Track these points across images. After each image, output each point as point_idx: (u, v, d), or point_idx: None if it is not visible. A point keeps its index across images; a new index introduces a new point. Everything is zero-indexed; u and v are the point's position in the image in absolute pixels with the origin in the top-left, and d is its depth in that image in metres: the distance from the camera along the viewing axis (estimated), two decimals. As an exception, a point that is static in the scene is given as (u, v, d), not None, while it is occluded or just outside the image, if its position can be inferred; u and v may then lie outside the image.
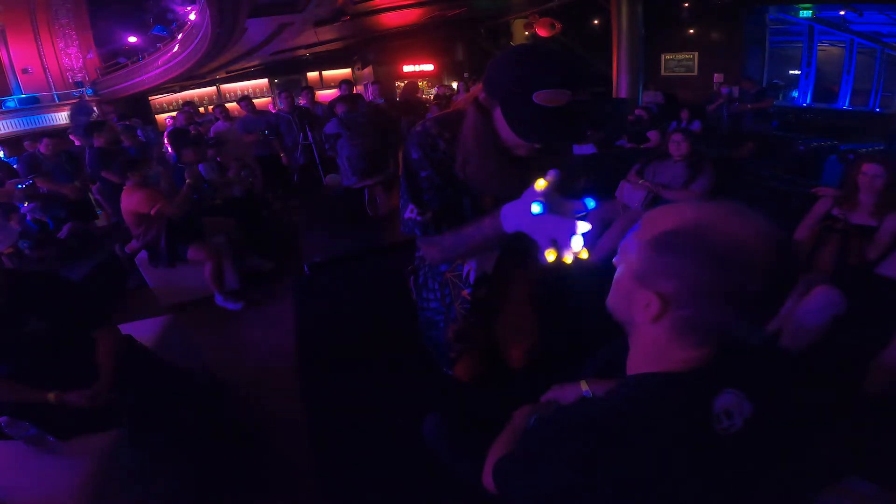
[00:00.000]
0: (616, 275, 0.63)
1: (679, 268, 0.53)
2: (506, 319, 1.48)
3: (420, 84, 11.36)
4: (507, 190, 0.94)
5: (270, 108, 8.61)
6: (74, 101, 11.30)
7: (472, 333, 1.38)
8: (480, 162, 1.00)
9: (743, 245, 0.50)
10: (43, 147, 4.59)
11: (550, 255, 0.79)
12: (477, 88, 0.99)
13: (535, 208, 0.79)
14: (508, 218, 0.88)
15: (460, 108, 1.06)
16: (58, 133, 6.84)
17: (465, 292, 1.28)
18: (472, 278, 1.26)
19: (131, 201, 2.81)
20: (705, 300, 0.53)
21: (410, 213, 1.10)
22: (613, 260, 0.64)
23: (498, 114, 0.94)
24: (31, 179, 3.99)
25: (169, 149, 5.35)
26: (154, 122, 11.04)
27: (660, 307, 0.55)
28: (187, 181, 2.92)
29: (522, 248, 1.02)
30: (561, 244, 0.79)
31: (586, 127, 0.94)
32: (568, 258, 0.79)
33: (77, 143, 5.58)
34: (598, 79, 8.70)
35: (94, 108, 10.60)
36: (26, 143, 6.07)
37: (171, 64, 10.15)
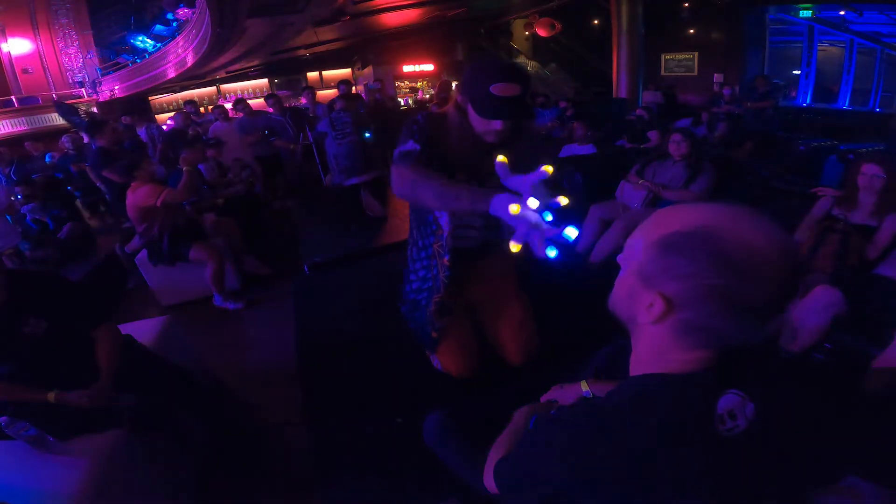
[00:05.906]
0: (620, 273, 0.63)
1: (686, 270, 0.52)
2: (491, 296, 1.59)
3: (419, 84, 11.36)
4: (478, 167, 1.30)
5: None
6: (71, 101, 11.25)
7: (453, 304, 1.51)
8: (458, 144, 1.30)
9: (755, 253, 0.49)
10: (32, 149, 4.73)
11: (515, 248, 0.89)
12: (455, 93, 1.30)
13: (514, 209, 0.88)
14: (496, 204, 0.95)
15: (444, 110, 1.36)
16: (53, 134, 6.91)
17: (445, 259, 1.43)
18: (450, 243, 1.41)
19: (137, 196, 2.85)
20: (710, 305, 0.52)
21: (404, 146, 1.28)
22: (618, 258, 0.63)
23: (471, 110, 1.23)
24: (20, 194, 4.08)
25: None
26: (154, 121, 11.03)
27: (663, 308, 0.54)
28: (185, 169, 2.93)
29: (495, 223, 1.22)
30: (532, 244, 0.87)
31: (526, 113, 1.22)
32: (552, 252, 0.85)
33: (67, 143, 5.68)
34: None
35: (78, 107, 10.44)
36: (27, 145, 6.17)
37: (170, 64, 10.14)
